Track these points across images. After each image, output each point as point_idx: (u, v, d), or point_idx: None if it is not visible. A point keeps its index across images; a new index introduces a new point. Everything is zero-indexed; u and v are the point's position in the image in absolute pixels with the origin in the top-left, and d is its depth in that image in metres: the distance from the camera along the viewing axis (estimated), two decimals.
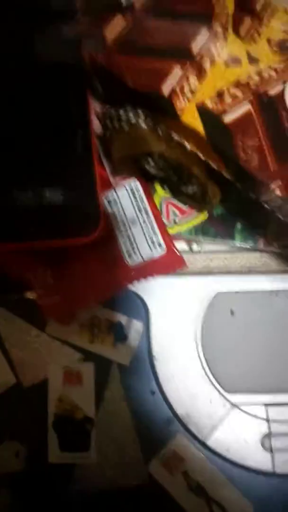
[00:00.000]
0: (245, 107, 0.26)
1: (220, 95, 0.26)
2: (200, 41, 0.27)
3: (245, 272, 0.34)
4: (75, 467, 0.30)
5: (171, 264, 0.31)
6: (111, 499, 0.29)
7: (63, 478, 0.30)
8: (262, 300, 0.33)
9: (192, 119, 0.26)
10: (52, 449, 0.30)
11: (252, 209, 0.33)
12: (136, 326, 0.32)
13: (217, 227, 0.33)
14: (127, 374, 0.32)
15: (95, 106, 0.32)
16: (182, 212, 0.33)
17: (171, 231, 0.33)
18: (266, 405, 0.31)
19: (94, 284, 0.30)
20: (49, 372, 0.31)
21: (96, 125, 0.30)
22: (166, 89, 0.26)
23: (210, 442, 0.31)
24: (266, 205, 0.27)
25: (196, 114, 0.26)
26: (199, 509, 0.29)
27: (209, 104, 0.26)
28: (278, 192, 0.26)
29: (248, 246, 0.33)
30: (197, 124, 0.26)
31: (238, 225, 0.33)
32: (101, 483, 0.30)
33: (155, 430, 0.31)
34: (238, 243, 0.33)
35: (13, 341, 0.32)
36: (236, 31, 0.28)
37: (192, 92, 0.26)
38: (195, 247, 0.34)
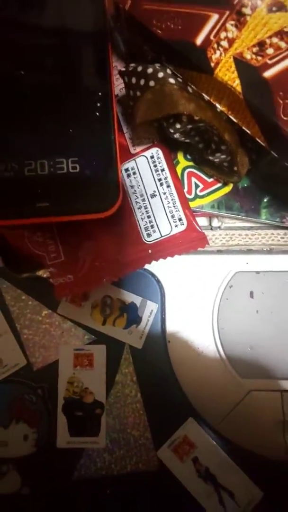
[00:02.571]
0: None
1: (261, 45, 0.22)
2: None
3: (266, 251, 0.32)
4: (84, 451, 0.29)
5: (192, 242, 0.28)
6: (119, 484, 0.29)
7: (71, 463, 0.29)
8: (284, 282, 0.31)
9: (227, 73, 0.22)
10: (62, 434, 0.29)
11: (284, 183, 0.30)
12: (150, 307, 0.30)
13: (242, 202, 0.30)
14: (140, 357, 0.30)
15: (119, 66, 0.28)
16: (205, 184, 0.30)
17: (192, 205, 0.30)
18: (282, 391, 0.30)
19: (109, 262, 0.28)
20: (59, 354, 0.30)
21: (118, 88, 0.26)
22: (200, 39, 0.22)
23: (222, 428, 0.30)
24: None
25: (233, 67, 0.22)
26: (207, 495, 0.28)
27: (248, 55, 0.22)
28: None
29: (273, 223, 0.31)
30: (233, 79, 0.22)
31: (265, 200, 0.30)
32: (109, 469, 0.29)
33: (166, 414, 0.29)
34: (263, 219, 0.30)
35: (24, 321, 0.30)
36: None
37: (229, 41, 0.22)
38: (215, 222, 0.31)
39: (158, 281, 0.31)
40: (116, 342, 0.30)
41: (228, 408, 0.30)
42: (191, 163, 0.30)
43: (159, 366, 0.30)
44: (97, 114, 0.25)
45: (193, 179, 0.30)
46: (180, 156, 0.30)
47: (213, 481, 0.29)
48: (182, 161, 0.30)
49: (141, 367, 0.30)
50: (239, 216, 0.31)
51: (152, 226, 0.28)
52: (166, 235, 0.28)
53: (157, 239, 0.28)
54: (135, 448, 0.29)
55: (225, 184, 0.30)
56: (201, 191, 0.30)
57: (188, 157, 0.30)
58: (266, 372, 0.30)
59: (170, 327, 0.30)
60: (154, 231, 0.28)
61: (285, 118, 0.21)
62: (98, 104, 0.25)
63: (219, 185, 0.30)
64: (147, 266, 0.30)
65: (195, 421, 0.29)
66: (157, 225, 0.28)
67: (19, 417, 0.29)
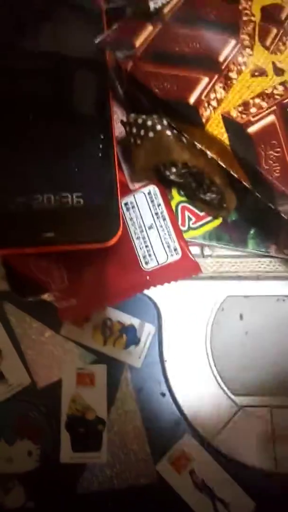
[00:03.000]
0: (269, 118, 0.26)
1: (245, 105, 0.26)
2: (227, 51, 0.27)
3: (254, 277, 0.34)
4: (86, 466, 0.31)
5: (186, 270, 0.31)
6: (120, 497, 0.30)
7: (74, 477, 0.30)
8: (271, 305, 0.34)
9: (216, 128, 0.26)
10: (65, 450, 0.30)
11: (267, 217, 0.33)
12: (148, 329, 0.33)
13: (231, 233, 0.33)
14: (139, 376, 0.32)
15: (118, 114, 0.31)
16: (197, 217, 0.33)
17: (186, 236, 0.33)
18: (272, 407, 0.32)
19: (109, 288, 0.30)
20: (62, 374, 0.31)
21: (117, 130, 0.30)
22: (192, 98, 0.26)
23: (217, 442, 0.32)
24: (284, 215, 0.27)
25: (221, 124, 0.26)
26: (204, 506, 0.30)
27: (234, 113, 0.26)
28: None
29: (259, 252, 0.34)
30: (221, 133, 0.26)
31: (251, 232, 0.33)
32: (111, 482, 0.30)
33: (164, 430, 0.31)
34: (250, 249, 0.34)
35: (28, 342, 0.32)
36: (262, 42, 0.27)
37: (218, 101, 0.26)
38: (207, 251, 0.34)
39: (155, 305, 0.33)
40: (116, 362, 0.32)
41: (221, 423, 0.32)
42: (184, 198, 0.33)
43: (157, 384, 0.32)
44: (100, 154, 0.29)
45: (187, 213, 0.33)
46: (174, 192, 0.33)
47: (209, 493, 0.30)
48: (176, 196, 0.33)
49: (140, 385, 0.32)
50: (229, 246, 0.34)
51: (149, 255, 0.31)
52: (163, 263, 0.31)
53: (154, 266, 0.31)
54: (135, 463, 0.31)
55: (215, 217, 0.33)
56: (193, 223, 0.33)
57: (182, 193, 0.33)
58: (256, 389, 0.33)
59: (167, 347, 0.33)
60: (151, 259, 0.31)
61: (266, 167, 0.25)
62: (100, 146, 0.29)
63: (210, 218, 0.33)
64: (145, 291, 0.32)
65: (191, 436, 0.31)
66: (154, 254, 0.31)
67: (24, 434, 0.31)
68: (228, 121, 0.26)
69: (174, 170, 0.28)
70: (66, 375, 0.31)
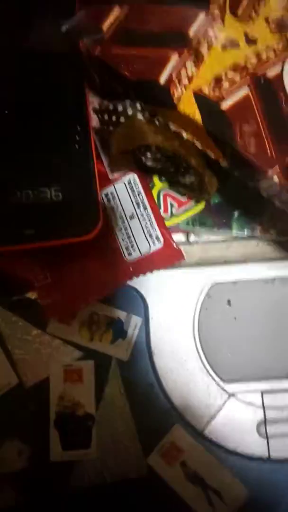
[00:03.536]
0: (243, 92, 0.25)
1: (217, 80, 0.25)
2: (197, 25, 0.25)
3: (241, 261, 0.34)
4: (77, 463, 0.30)
5: (169, 258, 0.31)
6: (112, 492, 0.30)
7: (65, 474, 0.30)
8: (259, 289, 0.33)
9: (189, 107, 0.25)
10: (54, 448, 0.30)
11: (249, 197, 0.32)
12: (135, 321, 0.32)
13: (214, 217, 0.33)
14: (127, 369, 0.31)
15: (93, 101, 0.30)
16: (179, 203, 0.32)
17: (169, 223, 0.32)
18: (262, 392, 0.32)
19: (93, 281, 0.30)
20: (50, 371, 0.31)
21: (94, 120, 0.29)
22: (163, 77, 0.25)
23: (207, 432, 0.31)
24: (263, 193, 0.27)
25: (193, 102, 0.25)
26: (196, 497, 0.30)
27: (206, 90, 0.25)
28: (276, 179, 0.25)
29: (245, 235, 0.33)
30: (194, 112, 0.25)
31: (235, 214, 0.33)
32: (102, 477, 0.30)
33: (154, 422, 0.31)
34: (235, 232, 0.33)
35: (15, 341, 0.32)
36: (234, 12, 0.26)
37: (189, 78, 0.25)
38: (192, 237, 0.33)
39: (141, 296, 0.33)
40: (103, 356, 0.31)
41: (212, 412, 0.32)
42: (166, 185, 0.32)
43: (145, 376, 0.32)
44: (77, 146, 0.28)
45: (169, 199, 0.32)
46: (155, 179, 0.32)
47: (201, 483, 0.30)
48: (158, 183, 0.32)
49: (128, 379, 0.31)
50: (213, 231, 0.33)
51: (132, 246, 0.30)
52: (145, 253, 0.30)
53: (137, 257, 0.30)
54: (126, 457, 0.30)
55: (197, 202, 0.32)
56: (176, 210, 0.32)
57: (163, 179, 0.32)
58: (246, 375, 0.32)
59: (155, 338, 0.32)
60: (134, 250, 0.30)
61: (241, 143, 0.24)
62: (77, 137, 0.28)
63: (192, 204, 0.32)
64: (130, 282, 0.32)
65: (181, 427, 0.31)
66: (136, 244, 0.30)
67: (13, 434, 0.30)
68: (200, 98, 0.25)
69: (149, 155, 0.27)
70: (54, 372, 0.31)
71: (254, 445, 0.31)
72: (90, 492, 0.30)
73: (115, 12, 0.26)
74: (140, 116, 0.25)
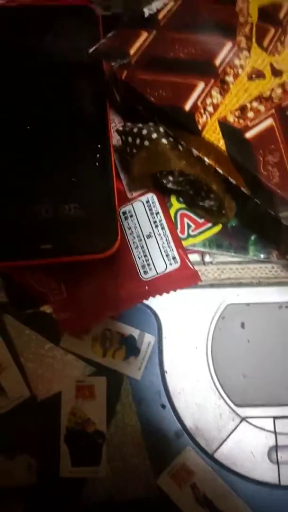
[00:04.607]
0: (267, 122, 0.26)
1: (242, 109, 0.25)
2: (223, 54, 0.26)
3: (255, 283, 0.34)
4: (86, 480, 0.30)
5: (185, 279, 0.31)
6: (121, 511, 0.30)
7: (75, 491, 0.30)
8: (272, 313, 0.33)
9: (213, 134, 0.25)
10: (64, 464, 0.30)
11: (268, 222, 0.32)
12: (148, 339, 0.32)
13: (231, 240, 0.33)
14: (138, 387, 0.32)
15: (115, 122, 0.31)
16: (196, 224, 0.33)
17: (185, 243, 0.32)
18: (274, 418, 0.32)
19: (109, 299, 0.30)
20: (62, 386, 0.31)
21: (115, 139, 0.29)
22: (188, 104, 0.25)
23: (218, 455, 0.31)
24: (284, 221, 0.27)
25: (218, 130, 0.25)
26: None
27: (231, 119, 0.25)
28: None
29: (261, 258, 0.33)
30: (218, 140, 0.25)
31: (252, 238, 0.33)
32: (110, 496, 0.30)
33: (164, 443, 0.31)
34: (251, 255, 0.33)
35: (28, 355, 0.32)
36: (260, 43, 0.27)
37: (214, 107, 0.25)
38: (207, 258, 0.34)
39: (155, 314, 0.33)
40: (116, 374, 0.31)
41: (223, 436, 0.31)
42: (183, 206, 0.33)
43: (157, 396, 0.32)
44: (97, 164, 0.28)
45: (186, 220, 0.33)
46: (173, 199, 0.33)
47: (210, 506, 0.30)
48: (175, 203, 0.33)
49: (140, 397, 0.31)
50: (229, 253, 0.33)
51: (148, 264, 0.31)
52: (162, 272, 0.31)
53: (153, 276, 0.31)
54: (135, 476, 0.30)
55: (215, 224, 0.33)
56: (193, 230, 0.32)
57: (181, 200, 0.33)
58: (258, 399, 0.32)
59: (167, 358, 0.32)
60: (150, 269, 0.31)
61: (264, 173, 0.24)
62: (98, 155, 0.28)
63: (209, 225, 0.33)
64: (144, 301, 0.32)
65: (192, 449, 0.31)
66: (153, 263, 0.31)
67: (23, 447, 0.30)
68: (225, 127, 0.25)
69: (171, 178, 0.27)
70: (66, 387, 0.31)
71: (264, 471, 0.31)
72: (98, 510, 0.30)
73: (142, 37, 0.26)
74: (164, 140, 0.25)
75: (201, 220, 0.33)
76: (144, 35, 0.26)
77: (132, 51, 0.26)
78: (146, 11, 0.26)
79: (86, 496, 0.30)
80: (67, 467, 0.30)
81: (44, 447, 0.30)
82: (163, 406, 0.31)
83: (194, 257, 0.33)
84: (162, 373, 0.32)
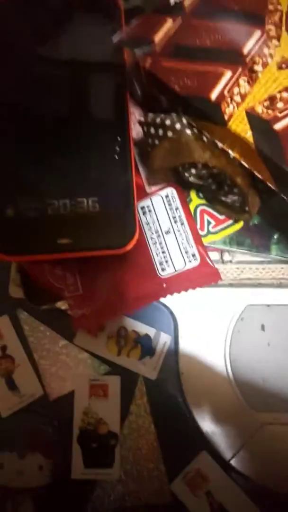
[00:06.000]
0: None
1: (271, 99, 0.24)
2: (252, 43, 0.25)
3: (276, 284, 0.33)
4: (98, 483, 0.29)
5: (205, 277, 0.30)
6: None
7: (86, 494, 0.29)
8: None
9: (240, 125, 0.24)
10: (76, 465, 0.29)
11: None
12: (164, 339, 0.31)
13: (253, 238, 0.32)
14: (153, 388, 0.31)
15: (135, 115, 0.30)
16: (217, 221, 0.31)
17: (205, 240, 0.31)
18: None
19: (125, 296, 0.29)
20: (75, 385, 0.30)
21: (134, 132, 0.28)
22: (214, 94, 0.24)
23: (235, 462, 0.30)
24: None
25: (245, 120, 0.24)
26: None
27: (259, 109, 0.24)
28: None
29: (284, 258, 0.32)
30: (245, 131, 0.24)
31: (275, 236, 0.31)
32: (123, 500, 0.29)
33: (179, 447, 0.30)
34: (273, 254, 0.32)
35: (42, 352, 0.31)
36: None
37: (242, 96, 0.24)
38: (226, 256, 0.33)
39: (171, 313, 0.32)
40: (130, 373, 0.31)
41: (241, 442, 0.30)
42: (203, 201, 0.32)
43: (172, 397, 0.31)
44: (116, 157, 0.27)
45: (206, 216, 0.31)
46: (193, 195, 0.32)
47: None
48: (195, 199, 0.32)
49: (154, 398, 0.30)
50: (250, 252, 0.32)
51: (166, 261, 0.30)
52: (180, 270, 0.30)
53: (171, 273, 0.30)
54: (149, 480, 0.29)
55: (236, 221, 0.31)
56: (213, 227, 0.31)
57: (201, 195, 0.32)
58: (278, 404, 0.31)
59: (183, 358, 0.31)
60: (168, 266, 0.30)
61: None
62: (117, 148, 0.27)
63: (230, 222, 0.31)
64: (161, 299, 0.31)
65: (208, 455, 0.30)
66: (171, 260, 0.30)
67: (35, 447, 0.30)
68: (252, 118, 0.24)
69: (193, 171, 0.26)
70: (79, 386, 0.30)
71: (284, 480, 0.29)
72: None
73: (168, 25, 0.25)
74: (188, 131, 0.24)
75: (221, 217, 0.31)
76: (170, 22, 0.25)
77: (157, 39, 0.25)
78: None
79: (97, 499, 0.29)
80: (80, 468, 0.29)
81: (56, 447, 0.29)
82: (178, 408, 0.30)
83: (213, 256, 0.32)
84: (178, 374, 0.31)
